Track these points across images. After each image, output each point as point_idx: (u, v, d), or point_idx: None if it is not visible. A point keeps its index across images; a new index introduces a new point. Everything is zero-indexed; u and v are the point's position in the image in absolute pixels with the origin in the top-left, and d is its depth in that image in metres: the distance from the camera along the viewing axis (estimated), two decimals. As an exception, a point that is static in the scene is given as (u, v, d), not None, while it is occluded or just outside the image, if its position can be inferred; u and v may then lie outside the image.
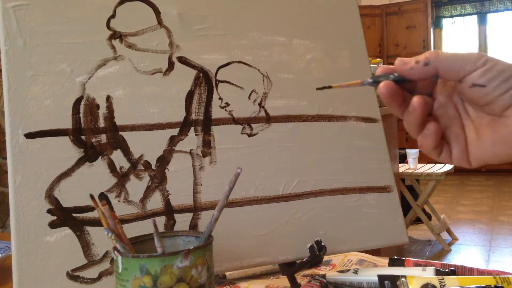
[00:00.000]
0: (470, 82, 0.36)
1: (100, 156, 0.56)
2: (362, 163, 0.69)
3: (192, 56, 0.62)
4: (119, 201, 0.56)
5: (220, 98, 0.63)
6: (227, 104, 0.63)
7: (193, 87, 0.62)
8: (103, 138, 0.57)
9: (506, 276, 0.58)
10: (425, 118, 0.38)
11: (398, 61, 0.38)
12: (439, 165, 3.37)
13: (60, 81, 0.56)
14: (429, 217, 3.31)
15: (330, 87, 0.43)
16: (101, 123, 0.57)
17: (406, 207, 3.13)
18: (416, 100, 0.37)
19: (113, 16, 0.59)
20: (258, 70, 0.66)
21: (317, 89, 0.45)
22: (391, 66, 0.38)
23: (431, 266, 0.65)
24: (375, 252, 0.72)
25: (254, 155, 0.63)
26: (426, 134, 0.38)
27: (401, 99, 0.38)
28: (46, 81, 0.55)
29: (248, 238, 0.61)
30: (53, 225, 0.53)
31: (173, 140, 0.60)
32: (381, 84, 0.38)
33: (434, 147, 0.38)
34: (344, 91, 0.70)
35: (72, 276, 0.53)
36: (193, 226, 0.59)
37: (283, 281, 0.70)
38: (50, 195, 0.54)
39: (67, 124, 0.55)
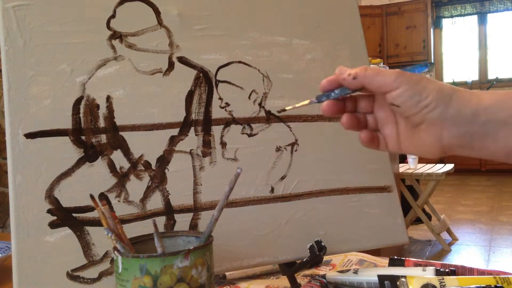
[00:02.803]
0: (389, 100, 0.43)
1: (100, 156, 0.56)
2: (362, 163, 0.69)
3: (192, 56, 0.62)
4: (119, 201, 0.56)
5: (220, 98, 0.63)
6: (227, 104, 0.63)
7: (193, 87, 0.62)
8: (103, 138, 0.57)
9: (506, 276, 0.58)
10: (360, 123, 0.48)
11: (337, 70, 0.45)
12: (439, 165, 3.37)
13: (60, 81, 0.56)
14: (429, 217, 3.31)
15: (284, 110, 0.50)
16: (101, 123, 0.57)
17: (406, 207, 3.13)
18: (343, 119, 0.47)
19: (113, 16, 0.59)
20: (258, 70, 0.66)
21: (278, 112, 0.54)
22: (332, 77, 0.46)
23: (431, 266, 0.65)
24: (375, 252, 0.72)
25: (254, 155, 0.63)
26: (360, 136, 0.48)
27: (342, 111, 0.47)
28: (46, 81, 0.55)
29: (248, 238, 0.61)
30: (53, 225, 0.53)
31: (173, 140, 0.60)
32: (323, 104, 0.47)
33: (368, 144, 0.48)
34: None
35: (72, 276, 0.53)
36: (193, 226, 0.59)
37: (283, 281, 0.70)
38: (50, 195, 0.54)
39: (67, 124, 0.55)
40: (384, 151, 0.49)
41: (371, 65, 2.54)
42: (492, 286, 0.54)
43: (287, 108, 0.50)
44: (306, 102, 0.48)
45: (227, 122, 0.63)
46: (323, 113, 0.47)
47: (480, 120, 0.41)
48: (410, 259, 0.70)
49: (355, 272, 0.66)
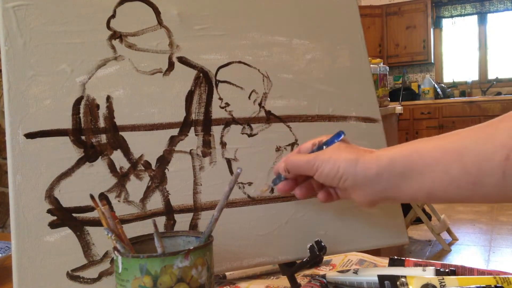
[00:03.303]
0: (316, 179, 0.53)
1: (100, 156, 0.56)
2: (362, 163, 0.69)
3: (192, 56, 0.62)
4: (119, 201, 0.56)
5: (220, 98, 0.63)
6: (227, 104, 0.63)
7: (193, 87, 0.62)
8: (103, 138, 0.57)
9: (506, 276, 0.58)
10: (314, 190, 0.57)
11: (276, 166, 0.58)
12: (439, 165, 3.35)
13: (60, 81, 0.56)
14: (429, 217, 3.31)
15: (252, 197, 0.61)
16: (101, 123, 0.57)
17: (406, 207, 3.13)
18: (296, 192, 0.57)
19: (113, 16, 0.59)
20: (258, 70, 0.66)
21: (257, 196, 0.63)
22: (281, 165, 0.57)
23: (431, 266, 0.65)
24: (375, 252, 0.72)
25: (254, 155, 0.63)
26: (319, 197, 0.57)
27: (295, 186, 0.57)
28: (46, 81, 0.55)
29: (248, 238, 0.61)
30: (53, 225, 0.53)
31: (173, 140, 0.60)
32: (278, 186, 0.58)
33: (326, 201, 0.57)
34: (344, 91, 0.70)
35: (72, 276, 0.53)
36: (193, 226, 0.59)
37: (283, 281, 0.70)
38: (50, 195, 0.54)
39: (67, 124, 0.55)
40: (335, 201, 0.58)
41: (371, 65, 2.54)
42: (492, 286, 0.54)
43: (254, 195, 0.62)
44: (266, 187, 0.60)
45: (227, 122, 0.63)
46: (280, 193, 0.60)
47: (383, 178, 0.48)
48: (410, 259, 0.70)
49: (355, 272, 0.66)
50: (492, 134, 0.41)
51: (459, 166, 0.43)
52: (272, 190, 0.63)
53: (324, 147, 0.54)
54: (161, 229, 0.57)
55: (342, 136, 0.54)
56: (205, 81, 0.62)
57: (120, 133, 0.58)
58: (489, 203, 0.49)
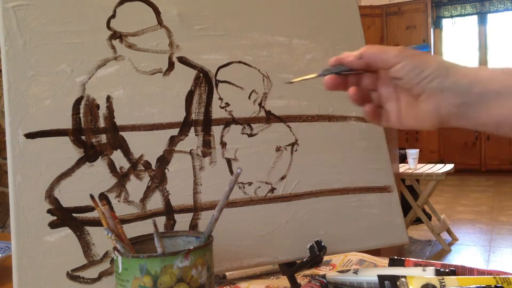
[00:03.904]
0: (392, 74, 0.47)
1: (100, 156, 0.56)
2: (362, 163, 0.69)
3: (192, 56, 0.62)
4: (119, 201, 0.56)
5: (220, 98, 0.63)
6: (227, 104, 0.63)
7: (193, 87, 0.62)
8: (103, 138, 0.57)
9: (506, 276, 0.58)
10: (364, 98, 0.51)
11: (343, 54, 0.49)
12: (439, 165, 3.37)
13: (60, 81, 0.56)
14: (429, 217, 3.31)
15: (291, 82, 0.56)
16: (101, 123, 0.57)
17: (406, 207, 3.13)
18: (350, 91, 0.51)
19: (113, 16, 0.59)
20: (258, 70, 0.66)
21: (285, 83, 0.58)
22: (340, 56, 0.50)
23: (431, 266, 0.65)
24: (375, 252, 0.72)
25: (254, 155, 0.63)
26: (365, 110, 0.51)
27: (343, 87, 0.51)
28: (46, 81, 0.55)
29: (248, 238, 0.61)
30: (53, 225, 0.53)
31: (173, 140, 0.60)
32: (326, 78, 0.51)
33: (372, 118, 0.51)
34: (344, 91, 0.70)
35: (72, 276, 0.53)
36: (193, 226, 0.59)
37: (283, 281, 0.70)
38: (50, 195, 0.54)
39: (67, 124, 0.55)
40: (385, 126, 0.53)
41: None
42: (492, 286, 0.54)
43: (293, 80, 0.55)
44: (314, 75, 0.52)
45: (227, 122, 0.63)
46: (325, 86, 0.51)
47: (475, 91, 0.44)
48: (410, 259, 0.70)
49: (355, 272, 0.66)
50: None
51: None
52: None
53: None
54: (161, 229, 0.57)
55: (427, 50, 0.50)
56: (205, 81, 0.62)
57: (120, 133, 0.58)
58: None
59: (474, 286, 0.55)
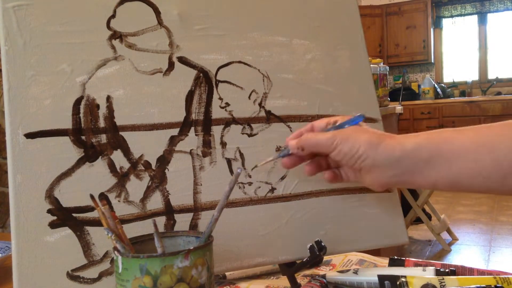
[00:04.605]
0: (331, 158, 0.53)
1: (100, 156, 0.56)
2: (362, 163, 0.69)
3: (192, 56, 0.62)
4: (119, 201, 0.56)
5: (220, 98, 0.63)
6: (227, 104, 0.63)
7: (193, 87, 0.62)
8: (103, 138, 0.57)
9: (506, 276, 0.58)
10: (321, 166, 0.57)
11: (291, 143, 0.55)
12: (439, 165, 3.35)
13: (60, 81, 0.56)
14: (429, 217, 3.31)
15: (256, 166, 0.61)
16: (101, 123, 0.57)
17: (406, 207, 3.13)
18: (305, 167, 0.57)
19: (113, 16, 0.59)
20: (258, 70, 0.66)
21: (251, 169, 0.62)
22: (299, 135, 0.56)
23: (431, 266, 0.65)
24: (375, 252, 0.72)
25: (254, 155, 0.63)
26: (325, 177, 0.57)
27: (301, 162, 0.57)
28: (46, 81, 0.55)
29: (248, 238, 0.61)
30: (53, 225, 0.53)
31: (173, 140, 0.60)
32: (283, 159, 0.57)
33: (332, 181, 0.57)
34: (344, 91, 0.70)
35: (72, 276, 0.53)
36: (193, 226, 0.59)
37: (283, 281, 0.70)
38: (50, 195, 0.54)
39: (67, 124, 0.55)
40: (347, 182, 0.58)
41: (371, 65, 2.54)
42: (492, 286, 0.54)
43: (258, 164, 0.60)
44: (271, 158, 0.59)
45: (227, 122, 0.63)
46: (283, 166, 0.58)
47: (406, 163, 0.48)
48: (410, 259, 0.70)
49: (355, 272, 0.66)
50: None
51: (491, 157, 0.44)
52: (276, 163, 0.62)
53: (346, 126, 0.53)
54: (161, 229, 0.57)
55: (362, 120, 0.54)
56: (205, 81, 0.62)
57: (120, 133, 0.58)
58: None
59: (474, 286, 0.55)
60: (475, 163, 0.45)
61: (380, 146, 0.49)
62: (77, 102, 0.56)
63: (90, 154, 0.56)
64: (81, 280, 0.53)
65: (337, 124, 0.55)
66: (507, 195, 0.46)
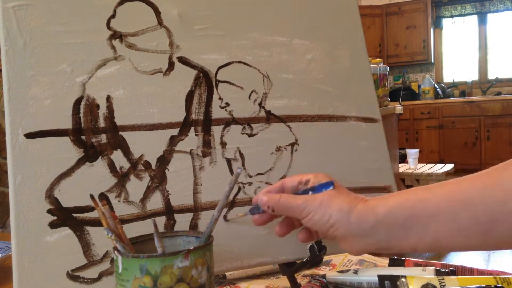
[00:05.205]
0: (303, 223, 0.50)
1: (100, 156, 0.56)
2: (362, 163, 0.69)
3: (192, 56, 0.62)
4: (119, 201, 0.56)
5: (220, 98, 0.63)
6: (227, 104, 0.63)
7: (193, 87, 0.62)
8: (103, 138, 0.57)
9: (506, 276, 0.58)
10: (294, 227, 0.54)
11: (262, 199, 0.51)
12: (439, 165, 3.37)
13: (60, 81, 0.56)
14: (429, 217, 3.30)
15: (227, 220, 0.60)
16: (101, 123, 0.57)
17: (406, 207, 3.12)
18: (276, 228, 0.54)
19: (113, 16, 0.59)
20: (258, 70, 0.66)
21: (225, 220, 0.60)
22: (262, 198, 0.52)
23: (431, 266, 0.65)
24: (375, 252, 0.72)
25: (254, 155, 0.63)
26: (298, 237, 0.54)
27: (271, 220, 0.54)
28: (46, 81, 0.55)
29: (248, 238, 0.61)
30: (53, 225, 0.53)
31: (173, 140, 0.60)
32: (254, 217, 0.54)
33: (306, 241, 0.54)
34: (344, 91, 0.70)
35: (72, 276, 0.53)
36: (193, 226, 0.59)
37: (283, 281, 0.70)
38: (50, 195, 0.54)
39: (67, 124, 0.55)
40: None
41: (371, 65, 2.54)
42: (492, 286, 0.54)
43: (229, 218, 0.60)
44: (243, 213, 0.56)
45: (227, 122, 0.63)
46: (254, 223, 0.54)
47: (380, 230, 0.46)
48: (410, 259, 0.70)
49: (355, 272, 0.66)
50: (499, 182, 0.41)
51: (468, 215, 0.42)
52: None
53: (310, 192, 0.50)
54: (161, 229, 0.57)
55: (331, 188, 0.50)
56: (205, 81, 0.62)
57: (120, 133, 0.58)
58: (502, 249, 0.47)
59: (474, 286, 0.55)
60: (453, 223, 0.43)
61: (352, 214, 0.47)
62: (77, 102, 0.56)
63: (90, 154, 0.56)
64: (81, 280, 0.53)
65: (308, 186, 0.51)
66: (492, 250, 0.44)
